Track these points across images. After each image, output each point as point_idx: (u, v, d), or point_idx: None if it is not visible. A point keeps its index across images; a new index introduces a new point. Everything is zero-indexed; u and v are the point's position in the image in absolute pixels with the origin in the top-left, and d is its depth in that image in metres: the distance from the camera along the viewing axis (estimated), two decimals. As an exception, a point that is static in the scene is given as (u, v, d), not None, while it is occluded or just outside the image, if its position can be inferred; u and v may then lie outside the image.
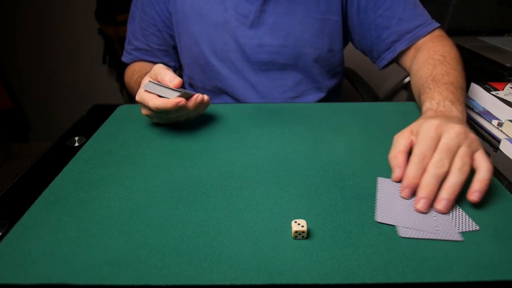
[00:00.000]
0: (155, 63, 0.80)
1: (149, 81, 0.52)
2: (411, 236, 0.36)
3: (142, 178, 0.46)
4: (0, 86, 1.85)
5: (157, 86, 0.51)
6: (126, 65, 0.84)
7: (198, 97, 0.52)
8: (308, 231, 0.37)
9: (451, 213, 0.39)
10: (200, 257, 0.34)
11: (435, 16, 0.72)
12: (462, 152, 0.39)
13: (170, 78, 0.50)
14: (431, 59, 0.62)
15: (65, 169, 0.48)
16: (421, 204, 0.38)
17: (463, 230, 0.37)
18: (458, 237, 0.36)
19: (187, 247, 0.35)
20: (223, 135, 0.57)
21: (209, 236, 0.37)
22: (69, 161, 0.50)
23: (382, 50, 0.74)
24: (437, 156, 0.39)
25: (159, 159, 0.50)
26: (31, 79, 1.92)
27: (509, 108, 0.57)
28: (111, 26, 1.67)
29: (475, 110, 0.62)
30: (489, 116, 0.59)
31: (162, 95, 0.51)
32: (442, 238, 0.36)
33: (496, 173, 0.47)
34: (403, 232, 0.37)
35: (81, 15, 1.74)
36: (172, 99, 0.49)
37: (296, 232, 0.35)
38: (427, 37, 0.69)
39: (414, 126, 0.44)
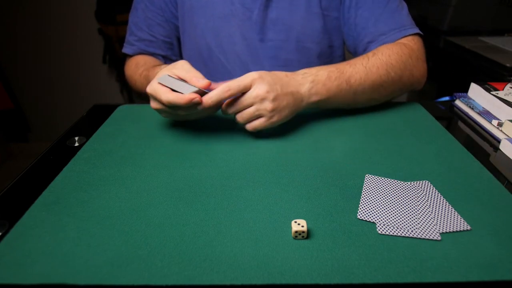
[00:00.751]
0: (157, 55, 0.80)
1: (167, 75, 0.50)
2: (389, 233, 0.36)
3: (142, 178, 0.46)
4: (0, 86, 1.85)
5: (174, 80, 0.49)
6: (126, 57, 0.84)
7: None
8: (308, 231, 0.37)
9: (440, 212, 0.39)
10: (200, 257, 0.34)
11: (435, 16, 0.72)
12: (247, 111, 0.51)
13: (198, 77, 0.51)
14: (364, 55, 0.63)
15: (65, 169, 0.48)
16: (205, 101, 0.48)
17: (454, 230, 0.37)
18: (437, 237, 0.36)
19: (187, 247, 0.35)
20: (223, 135, 0.57)
21: (209, 236, 0.37)
22: (69, 161, 0.50)
23: (360, 51, 0.73)
24: (237, 104, 0.51)
25: (159, 159, 0.50)
26: (31, 79, 1.92)
27: (509, 108, 0.57)
28: (111, 26, 1.67)
29: (475, 110, 0.62)
30: (489, 116, 0.59)
31: (176, 89, 0.48)
32: (420, 237, 0.36)
33: (496, 173, 0.47)
34: (381, 229, 0.37)
35: (81, 15, 1.74)
36: (187, 94, 0.47)
37: (296, 232, 0.35)
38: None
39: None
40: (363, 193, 0.43)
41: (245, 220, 0.39)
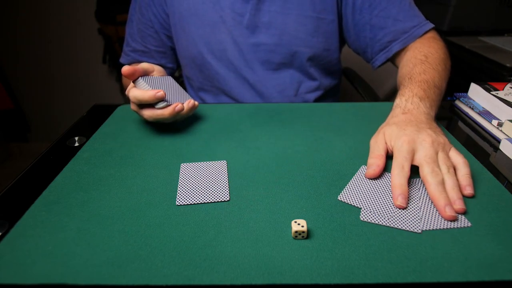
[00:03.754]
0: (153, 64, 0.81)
1: (140, 77, 0.54)
2: (371, 221, 0.38)
3: (142, 178, 0.46)
4: (0, 86, 1.85)
5: (146, 87, 0.53)
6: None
7: (177, 106, 0.53)
8: (308, 231, 0.37)
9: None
10: (200, 257, 0.34)
11: (435, 16, 0.72)
12: (441, 158, 0.44)
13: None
14: (414, 58, 0.65)
15: (65, 169, 0.48)
16: (448, 212, 0.39)
17: (455, 226, 0.37)
18: (417, 230, 0.37)
19: (187, 247, 0.35)
20: (223, 135, 0.57)
21: (209, 236, 0.37)
22: (69, 161, 0.50)
23: (377, 50, 0.74)
24: (428, 168, 0.42)
25: (159, 159, 0.50)
26: (31, 79, 1.92)
27: (509, 108, 0.57)
28: (111, 26, 1.67)
29: (475, 110, 0.62)
30: (489, 116, 0.59)
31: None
32: (401, 227, 0.37)
33: (496, 173, 0.47)
34: (364, 217, 0.38)
35: (81, 15, 1.74)
36: (151, 90, 0.51)
37: (296, 232, 0.35)
38: (419, 38, 0.71)
39: (386, 133, 0.49)
40: (353, 179, 0.44)
41: (245, 220, 0.39)
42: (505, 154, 0.52)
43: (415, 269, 0.32)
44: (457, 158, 0.45)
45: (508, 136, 0.54)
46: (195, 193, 0.43)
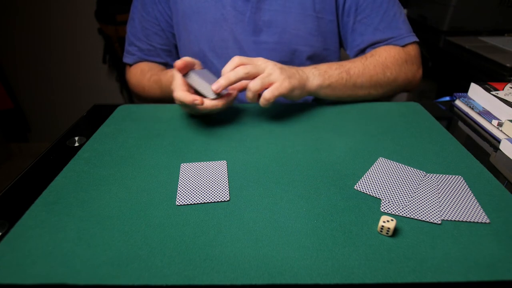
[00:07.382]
0: (158, 63, 0.81)
1: (191, 71, 0.55)
2: (391, 212, 0.39)
3: (142, 178, 0.46)
4: (0, 86, 1.85)
5: (199, 79, 0.55)
6: (126, 65, 0.84)
7: (231, 95, 0.57)
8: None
9: (463, 200, 0.41)
10: (200, 257, 0.34)
11: (435, 16, 0.72)
12: (260, 76, 0.54)
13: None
14: (362, 57, 0.68)
15: (65, 169, 0.48)
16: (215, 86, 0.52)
17: (474, 220, 0.38)
18: (437, 221, 0.38)
19: (187, 247, 0.35)
20: (223, 135, 0.57)
21: (209, 236, 0.37)
22: (69, 161, 0.50)
23: (352, 55, 0.76)
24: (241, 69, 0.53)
25: (159, 159, 0.50)
26: (31, 79, 1.92)
27: (509, 108, 0.57)
28: (111, 26, 1.67)
29: (475, 110, 0.62)
30: (489, 116, 0.59)
31: (199, 89, 0.55)
32: (421, 219, 0.38)
33: (496, 173, 0.47)
34: (384, 208, 0.39)
35: (81, 15, 1.74)
36: (190, 95, 0.53)
37: (382, 227, 0.36)
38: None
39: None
40: (369, 170, 0.45)
41: (245, 220, 0.39)
42: (505, 154, 0.52)
43: (415, 269, 0.32)
44: (267, 92, 0.54)
45: (508, 136, 0.54)
46: (195, 193, 0.43)
